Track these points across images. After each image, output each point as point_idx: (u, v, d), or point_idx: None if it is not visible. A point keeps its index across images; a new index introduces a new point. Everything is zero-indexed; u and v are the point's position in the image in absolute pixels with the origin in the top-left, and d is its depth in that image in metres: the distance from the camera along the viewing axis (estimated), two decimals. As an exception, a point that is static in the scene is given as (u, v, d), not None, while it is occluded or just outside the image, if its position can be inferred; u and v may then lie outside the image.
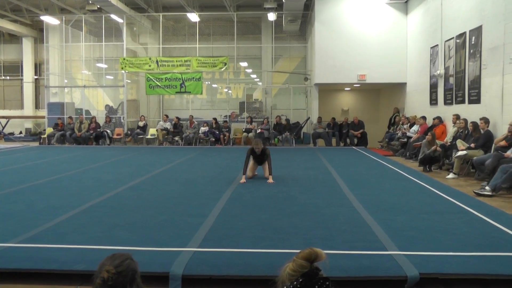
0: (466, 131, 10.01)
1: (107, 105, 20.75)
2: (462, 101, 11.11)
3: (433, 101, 13.28)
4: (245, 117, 18.43)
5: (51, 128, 18.19)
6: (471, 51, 10.57)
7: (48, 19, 18.92)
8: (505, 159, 7.65)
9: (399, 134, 14.37)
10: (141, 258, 3.79)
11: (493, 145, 8.80)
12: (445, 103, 12.30)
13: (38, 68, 24.03)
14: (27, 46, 23.47)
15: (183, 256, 3.90)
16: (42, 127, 21.66)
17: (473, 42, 10.47)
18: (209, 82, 22.84)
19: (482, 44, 9.98)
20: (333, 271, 3.46)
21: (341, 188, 7.49)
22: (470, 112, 10.53)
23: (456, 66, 11.49)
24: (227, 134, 17.34)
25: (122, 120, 19.03)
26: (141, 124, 18.24)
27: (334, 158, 12.48)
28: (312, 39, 17.84)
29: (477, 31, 10.21)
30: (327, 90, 19.55)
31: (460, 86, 11.21)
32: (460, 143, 9.49)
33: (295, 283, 1.70)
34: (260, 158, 8.40)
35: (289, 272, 1.72)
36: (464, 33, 10.94)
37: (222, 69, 18.53)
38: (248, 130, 17.39)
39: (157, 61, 18.54)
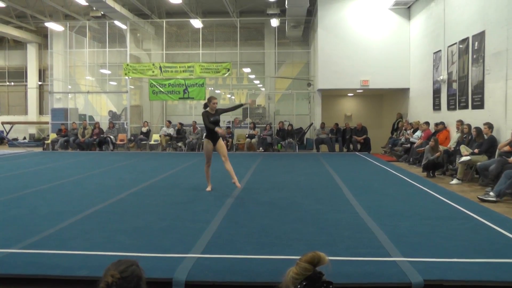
0: (470, 137, 9.98)
1: (110, 111, 20.82)
2: (466, 107, 11.08)
3: (436, 106, 13.26)
4: (248, 123, 18.45)
5: (55, 134, 18.26)
6: (474, 56, 10.56)
7: (53, 26, 19.05)
8: (509, 164, 7.62)
9: (402, 140, 14.35)
10: (144, 264, 3.77)
11: (497, 150, 8.77)
12: (449, 109, 12.27)
13: (42, 74, 24.17)
14: (32, 52, 23.62)
15: (186, 262, 3.89)
16: (45, 133, 21.74)
17: (476, 47, 10.46)
18: (212, 88, 22.89)
19: (485, 49, 9.97)
20: (337, 277, 3.43)
21: (344, 194, 7.47)
22: (473, 118, 10.50)
23: (459, 71, 11.48)
24: (230, 140, 17.35)
25: (125, 126, 19.08)
26: (144, 129, 18.28)
27: (337, 163, 12.46)
28: (315, 45, 17.87)
29: (480, 36, 10.21)
30: (330, 96, 19.56)
31: (464, 92, 11.19)
32: (463, 149, 9.47)
33: (298, 286, 1.70)
34: (216, 124, 7.60)
35: (292, 275, 1.73)
36: (467, 38, 10.93)
37: (225, 75, 18.57)
38: (251, 136, 17.40)
39: (160, 67, 18.60)
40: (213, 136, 7.68)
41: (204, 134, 16.49)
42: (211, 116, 7.64)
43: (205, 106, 7.74)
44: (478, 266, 3.84)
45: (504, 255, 4.12)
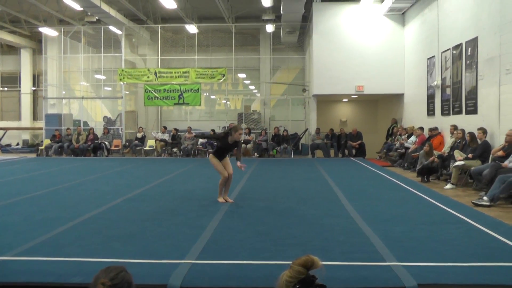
0: (464, 142, 10.05)
1: (105, 117, 20.76)
2: (459, 112, 11.16)
3: (431, 111, 13.34)
4: (244, 128, 18.46)
5: (49, 140, 18.17)
6: (468, 62, 10.64)
7: (47, 31, 19.02)
8: (503, 169, 7.68)
9: (397, 145, 14.41)
10: (139, 270, 3.78)
11: (491, 155, 8.83)
12: (442, 114, 12.35)
13: (36, 79, 24.09)
14: (26, 57, 23.57)
15: (181, 268, 3.88)
16: (39, 139, 21.64)
17: (469, 53, 10.55)
18: (207, 94, 22.91)
19: (478, 55, 10.05)
20: (332, 282, 3.43)
21: (339, 199, 7.49)
22: (467, 123, 10.57)
23: (453, 77, 11.56)
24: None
25: (120, 132, 19.04)
26: (139, 135, 18.24)
27: (333, 169, 12.49)
28: (310, 51, 17.94)
29: (473, 42, 10.30)
30: (325, 101, 19.62)
31: (457, 97, 11.27)
32: (457, 154, 9.52)
33: (292, 289, 1.72)
34: (227, 151, 7.18)
35: (286, 279, 1.75)
36: (461, 44, 11.02)
37: (221, 80, 18.59)
38: (246, 142, 17.39)
39: (155, 73, 18.61)
40: (220, 155, 7.15)
41: (204, 146, 16.59)
42: (225, 144, 7.03)
43: (227, 133, 7.07)
44: (471, 270, 3.87)
45: (498, 259, 4.15)
